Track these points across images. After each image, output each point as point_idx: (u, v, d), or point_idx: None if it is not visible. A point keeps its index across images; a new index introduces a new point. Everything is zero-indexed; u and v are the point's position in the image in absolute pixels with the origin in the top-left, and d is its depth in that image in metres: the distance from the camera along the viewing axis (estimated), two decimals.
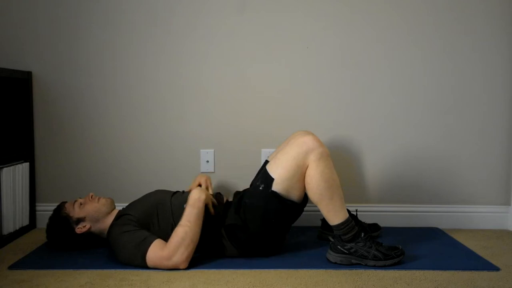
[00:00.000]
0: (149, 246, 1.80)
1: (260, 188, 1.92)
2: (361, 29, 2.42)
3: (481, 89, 2.45)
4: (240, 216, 1.92)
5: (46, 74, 2.43)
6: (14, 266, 1.87)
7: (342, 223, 1.88)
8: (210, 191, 2.20)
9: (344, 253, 1.88)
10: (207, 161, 2.46)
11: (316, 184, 1.86)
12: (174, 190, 2.15)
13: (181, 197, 2.03)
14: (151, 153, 2.46)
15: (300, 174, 1.88)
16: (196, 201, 1.90)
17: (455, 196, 2.48)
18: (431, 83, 2.44)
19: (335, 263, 1.88)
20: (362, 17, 2.42)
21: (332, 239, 1.92)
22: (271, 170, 1.92)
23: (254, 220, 1.90)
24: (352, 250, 1.87)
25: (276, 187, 1.89)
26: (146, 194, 2.09)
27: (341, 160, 2.43)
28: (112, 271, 1.81)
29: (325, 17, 2.42)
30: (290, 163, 1.88)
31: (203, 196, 1.91)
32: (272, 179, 1.90)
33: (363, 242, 1.87)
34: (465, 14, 2.42)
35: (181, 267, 1.81)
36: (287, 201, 1.90)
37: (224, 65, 2.43)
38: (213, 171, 2.47)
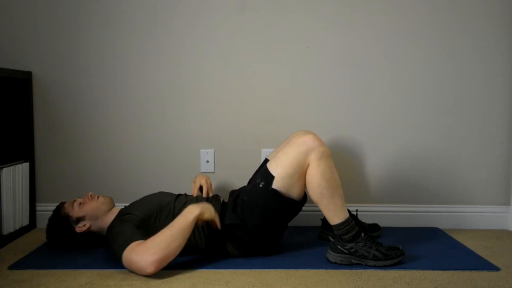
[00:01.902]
0: (131, 242, 1.76)
1: (260, 185, 1.92)
2: (361, 29, 2.42)
3: (481, 89, 2.45)
4: (237, 215, 1.91)
5: (46, 74, 2.43)
6: (14, 266, 1.87)
7: (342, 223, 1.88)
8: (210, 193, 2.20)
9: (344, 253, 1.88)
10: (207, 161, 2.46)
11: (317, 183, 1.86)
12: (174, 190, 2.14)
13: (184, 200, 2.03)
14: (151, 153, 2.46)
15: (301, 173, 1.88)
16: (188, 213, 1.83)
17: (455, 196, 2.48)
18: (431, 83, 2.44)
19: (335, 263, 1.88)
20: (362, 17, 2.42)
21: (332, 239, 1.92)
22: (272, 168, 1.92)
23: (253, 218, 1.90)
24: (352, 250, 1.87)
25: (276, 185, 1.89)
26: (149, 195, 2.09)
27: (341, 160, 2.43)
28: (112, 271, 1.81)
29: (325, 17, 2.42)
30: (291, 162, 1.88)
31: (196, 212, 1.83)
32: (273, 177, 1.90)
33: (363, 242, 1.87)
34: (465, 14, 2.42)
35: (147, 270, 1.72)
36: (286, 199, 1.90)
37: (224, 65, 2.43)
38: (213, 171, 2.47)
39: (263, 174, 1.95)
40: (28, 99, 2.40)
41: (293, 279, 1.74)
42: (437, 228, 2.44)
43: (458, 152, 2.47)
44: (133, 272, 1.76)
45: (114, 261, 1.88)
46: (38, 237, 2.25)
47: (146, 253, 1.72)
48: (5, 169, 2.16)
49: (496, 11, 2.41)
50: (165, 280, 1.72)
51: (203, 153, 2.46)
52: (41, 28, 2.42)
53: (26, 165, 2.35)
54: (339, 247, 1.89)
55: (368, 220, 2.39)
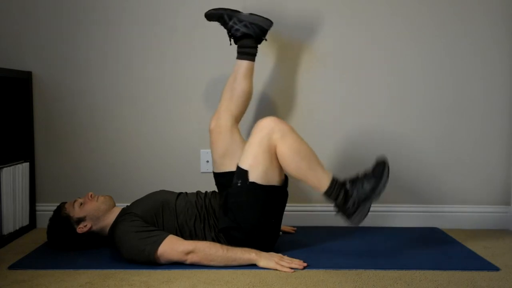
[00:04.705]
0: (165, 237, 1.83)
1: (238, 184, 1.91)
2: (361, 29, 2.42)
3: (481, 89, 2.45)
4: (229, 217, 1.92)
5: (46, 74, 2.43)
6: (14, 266, 1.86)
7: (329, 188, 1.87)
8: None
9: (355, 211, 1.86)
10: (207, 161, 2.46)
11: (289, 159, 1.87)
12: (175, 190, 2.14)
13: (185, 199, 2.03)
14: (151, 153, 2.46)
15: (271, 157, 1.88)
16: (250, 253, 1.85)
17: (455, 196, 2.48)
18: (431, 83, 2.44)
19: (360, 222, 1.86)
20: (362, 17, 2.42)
21: (336, 211, 1.90)
22: (242, 164, 1.92)
23: (245, 217, 1.90)
24: (356, 204, 1.85)
25: (252, 177, 1.89)
26: (150, 194, 2.09)
27: (341, 160, 2.43)
28: (112, 271, 1.81)
29: (325, 17, 2.42)
30: (257, 149, 1.88)
31: (255, 257, 1.84)
32: (246, 171, 1.89)
33: (354, 190, 1.85)
34: (465, 14, 2.41)
35: (182, 259, 1.83)
36: (268, 187, 1.90)
37: (225, 65, 2.42)
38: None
39: (237, 172, 1.94)
40: (28, 99, 2.40)
41: (293, 279, 1.74)
42: (437, 228, 2.44)
43: (458, 152, 2.47)
44: (162, 260, 1.83)
45: (114, 261, 1.89)
46: (38, 237, 2.25)
47: (193, 250, 1.81)
48: (5, 169, 2.16)
49: (497, 11, 2.41)
50: (165, 280, 1.72)
51: (203, 153, 2.46)
52: (41, 28, 2.42)
53: (26, 165, 2.35)
54: (347, 212, 1.87)
55: (368, 222, 2.39)
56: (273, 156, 1.89)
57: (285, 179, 1.98)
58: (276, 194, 1.93)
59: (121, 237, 1.87)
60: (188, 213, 1.98)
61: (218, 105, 2.17)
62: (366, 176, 1.88)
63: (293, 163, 1.87)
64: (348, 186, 1.87)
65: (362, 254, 2.01)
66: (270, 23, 2.16)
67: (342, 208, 1.88)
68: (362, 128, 2.46)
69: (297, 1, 2.41)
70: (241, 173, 1.91)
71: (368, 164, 2.44)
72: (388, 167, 1.88)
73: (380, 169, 1.88)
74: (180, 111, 2.45)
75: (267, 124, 1.89)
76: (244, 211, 1.90)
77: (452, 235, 2.31)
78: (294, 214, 2.42)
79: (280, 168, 1.92)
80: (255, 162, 1.88)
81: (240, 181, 1.91)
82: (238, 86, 2.13)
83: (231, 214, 1.91)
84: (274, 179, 1.91)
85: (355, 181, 1.89)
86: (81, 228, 1.98)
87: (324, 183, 1.88)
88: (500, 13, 2.41)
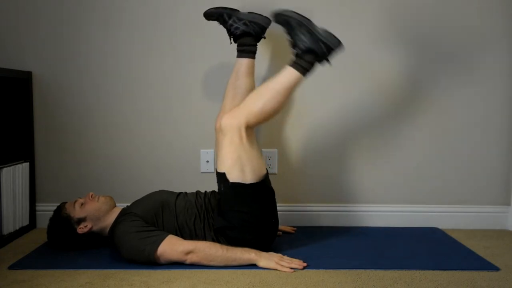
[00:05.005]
0: (165, 237, 1.83)
1: (222, 189, 1.94)
2: (361, 29, 2.42)
3: (481, 90, 2.45)
4: (224, 218, 1.93)
5: (46, 74, 2.43)
6: (14, 266, 1.87)
7: (298, 69, 1.94)
8: None
9: (325, 44, 1.93)
10: (207, 161, 2.46)
11: (264, 110, 1.93)
12: (175, 190, 2.14)
13: (185, 199, 2.04)
14: (151, 153, 2.46)
15: (244, 149, 1.91)
16: (249, 253, 1.86)
17: (455, 196, 2.49)
18: (430, 82, 2.44)
19: (337, 39, 1.96)
20: (362, 17, 2.42)
21: (327, 62, 1.98)
22: (220, 168, 1.94)
23: (237, 217, 1.91)
24: (316, 43, 1.92)
25: (231, 177, 1.91)
26: (150, 193, 2.09)
27: (340, 160, 2.44)
28: (112, 271, 1.81)
29: (324, 16, 2.42)
30: (229, 149, 1.91)
31: (254, 258, 1.85)
32: (224, 174, 1.92)
33: (303, 43, 1.92)
34: (465, 13, 2.41)
35: (181, 259, 1.83)
36: (249, 185, 1.91)
37: (225, 64, 2.43)
38: (213, 171, 2.46)
39: (218, 178, 1.96)
40: (28, 99, 2.40)
41: (293, 279, 1.74)
42: (437, 228, 2.44)
43: (458, 151, 2.47)
44: (162, 260, 1.83)
45: (114, 261, 1.89)
46: (38, 237, 2.25)
47: (193, 250, 1.82)
48: (5, 169, 2.16)
49: (497, 10, 2.41)
50: (165, 280, 1.72)
51: (203, 153, 2.46)
52: (41, 28, 2.42)
53: (26, 165, 2.35)
54: (327, 52, 1.94)
55: (367, 222, 2.39)
56: (246, 147, 1.91)
57: (266, 174, 1.98)
58: (260, 189, 1.94)
59: (121, 237, 1.87)
60: (188, 213, 1.98)
61: (221, 105, 2.18)
62: (288, 33, 1.97)
63: (269, 105, 1.92)
64: (299, 50, 1.94)
65: (362, 254, 2.01)
66: (269, 21, 2.17)
67: (319, 56, 1.94)
68: (361, 127, 2.45)
69: (297, 1, 2.41)
70: (221, 177, 1.93)
71: (366, 164, 2.46)
72: (275, 11, 2.00)
73: (280, 18, 1.98)
74: (180, 111, 2.45)
75: (226, 123, 1.92)
76: (236, 211, 1.91)
77: (452, 235, 2.31)
78: (294, 214, 2.43)
79: (257, 162, 1.94)
80: (230, 161, 1.91)
81: (222, 186, 1.93)
82: (241, 84, 2.14)
83: (225, 215, 1.93)
84: (254, 174, 1.92)
85: (294, 43, 1.95)
86: (82, 229, 1.98)
87: (293, 73, 1.94)
88: (500, 13, 2.41)
